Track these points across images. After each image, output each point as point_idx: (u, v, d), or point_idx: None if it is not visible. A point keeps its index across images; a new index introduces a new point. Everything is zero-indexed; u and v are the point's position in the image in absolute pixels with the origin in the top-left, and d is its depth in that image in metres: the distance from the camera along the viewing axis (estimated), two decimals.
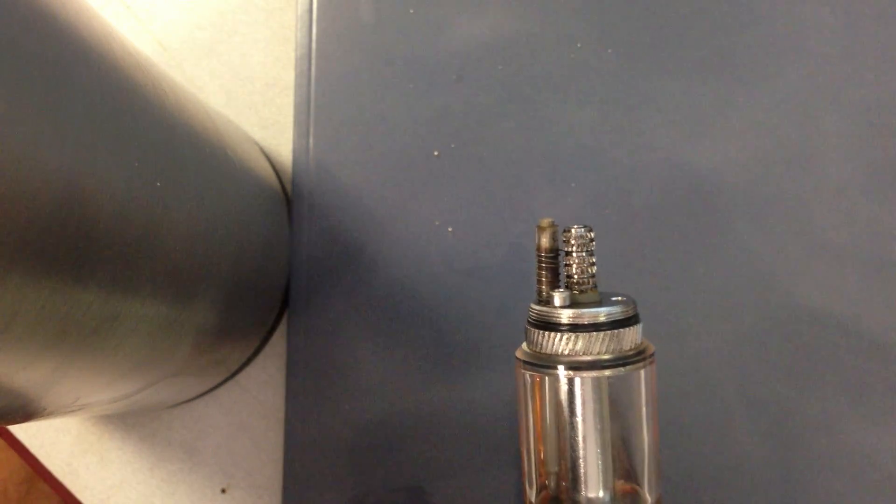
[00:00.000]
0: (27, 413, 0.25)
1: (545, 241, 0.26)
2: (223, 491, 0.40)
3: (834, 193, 0.36)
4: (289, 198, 0.40)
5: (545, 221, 0.26)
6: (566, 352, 0.24)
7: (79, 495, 0.40)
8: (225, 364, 0.38)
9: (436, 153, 0.39)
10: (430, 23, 0.40)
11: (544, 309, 0.25)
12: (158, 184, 0.25)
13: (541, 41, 0.39)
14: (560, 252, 0.26)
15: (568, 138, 0.38)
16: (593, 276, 0.25)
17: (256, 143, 0.42)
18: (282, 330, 0.40)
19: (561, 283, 0.26)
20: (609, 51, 0.39)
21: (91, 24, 0.24)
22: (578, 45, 0.39)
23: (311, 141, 0.40)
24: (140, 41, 0.43)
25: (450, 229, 0.38)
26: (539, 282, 0.26)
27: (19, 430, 0.41)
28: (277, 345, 0.40)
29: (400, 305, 0.38)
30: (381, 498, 0.37)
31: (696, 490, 0.35)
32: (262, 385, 0.40)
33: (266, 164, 0.40)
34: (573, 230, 0.25)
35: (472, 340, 0.37)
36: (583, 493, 0.25)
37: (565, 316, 0.24)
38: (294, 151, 0.40)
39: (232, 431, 0.40)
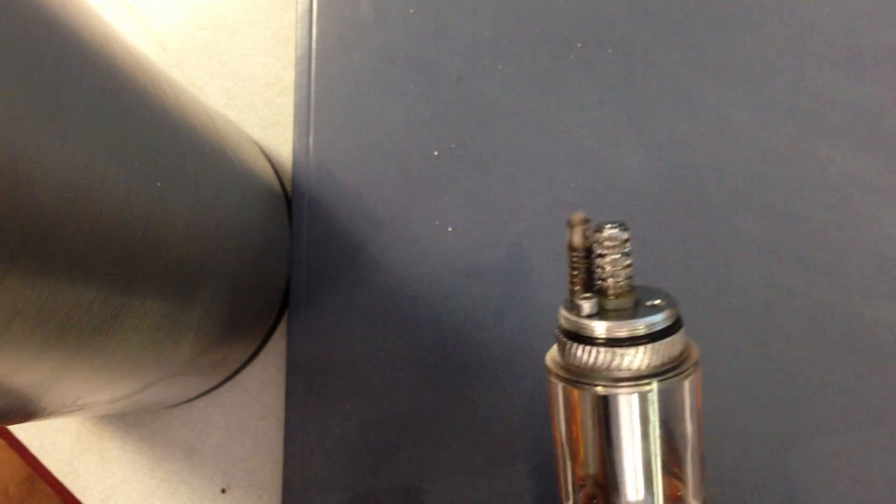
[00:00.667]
0: (27, 413, 0.25)
1: (576, 239, 0.23)
2: (223, 491, 0.40)
3: (834, 193, 0.36)
4: (289, 198, 0.40)
5: (576, 217, 0.23)
6: (603, 367, 0.22)
7: (79, 495, 0.40)
8: (225, 364, 0.38)
9: (436, 153, 0.39)
10: (430, 23, 0.40)
11: (576, 318, 0.23)
12: (158, 184, 0.25)
13: (541, 41, 0.39)
14: (593, 252, 0.23)
15: (568, 138, 0.38)
16: (630, 277, 0.23)
17: (256, 143, 0.42)
18: (282, 330, 0.40)
19: (595, 285, 0.23)
20: (609, 51, 0.39)
21: (91, 24, 0.24)
22: (578, 45, 0.39)
23: (311, 141, 0.40)
24: (140, 41, 0.43)
25: (450, 229, 0.38)
26: (571, 282, 0.23)
27: (19, 430, 0.41)
28: (277, 345, 0.40)
29: (400, 305, 0.38)
30: (381, 498, 0.37)
31: None
32: (262, 385, 0.40)
33: (266, 164, 0.40)
34: (605, 231, 0.23)
35: (472, 340, 0.37)
36: (624, 501, 0.23)
37: (601, 329, 0.22)
38: (294, 151, 0.40)
39: (232, 431, 0.40)
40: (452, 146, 0.39)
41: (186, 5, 0.43)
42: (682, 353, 0.23)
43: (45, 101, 0.19)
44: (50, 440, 0.41)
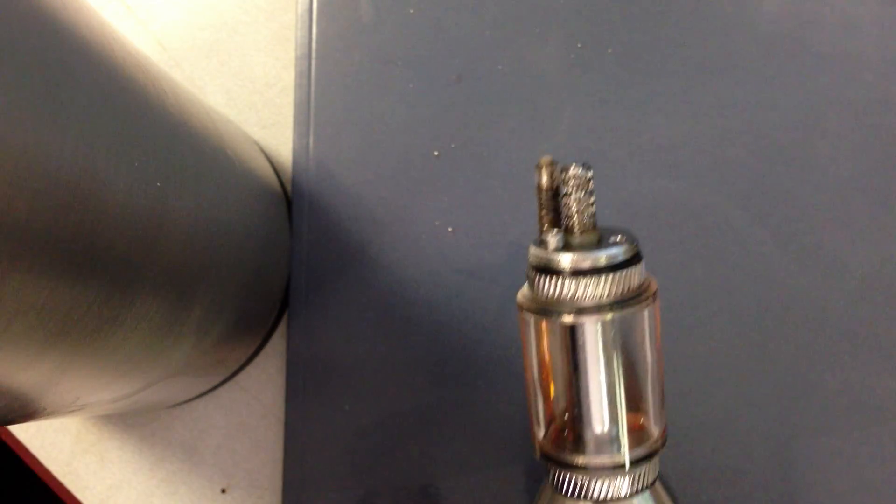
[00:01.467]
0: (27, 413, 0.25)
1: (544, 180, 0.25)
2: (223, 491, 0.40)
3: (834, 193, 0.36)
4: (289, 198, 0.40)
5: (544, 160, 0.25)
6: (568, 297, 0.24)
7: (79, 495, 0.40)
8: (225, 364, 0.38)
9: (436, 153, 0.39)
10: (430, 23, 0.40)
11: (543, 253, 0.24)
12: (158, 184, 0.25)
13: (541, 41, 0.39)
14: (560, 191, 0.25)
15: (568, 138, 0.38)
16: (593, 215, 0.24)
17: (256, 143, 0.42)
18: (282, 330, 0.40)
19: (562, 223, 0.25)
20: (609, 51, 0.39)
21: (91, 24, 0.24)
22: (578, 45, 0.39)
23: (311, 141, 0.40)
24: (140, 41, 0.43)
25: (450, 229, 0.38)
26: (540, 221, 0.25)
27: (19, 430, 0.41)
28: (277, 345, 0.40)
29: (400, 305, 0.38)
30: (381, 498, 0.37)
31: (696, 490, 0.35)
32: (262, 385, 0.40)
33: (266, 164, 0.40)
34: (571, 169, 0.24)
35: (472, 340, 0.37)
36: (590, 430, 0.25)
37: (566, 261, 0.24)
38: (294, 151, 0.40)
39: (232, 431, 0.40)
40: (452, 146, 0.39)
41: (186, 5, 0.43)
42: (641, 285, 0.25)
43: (45, 102, 0.20)
44: (50, 440, 0.41)
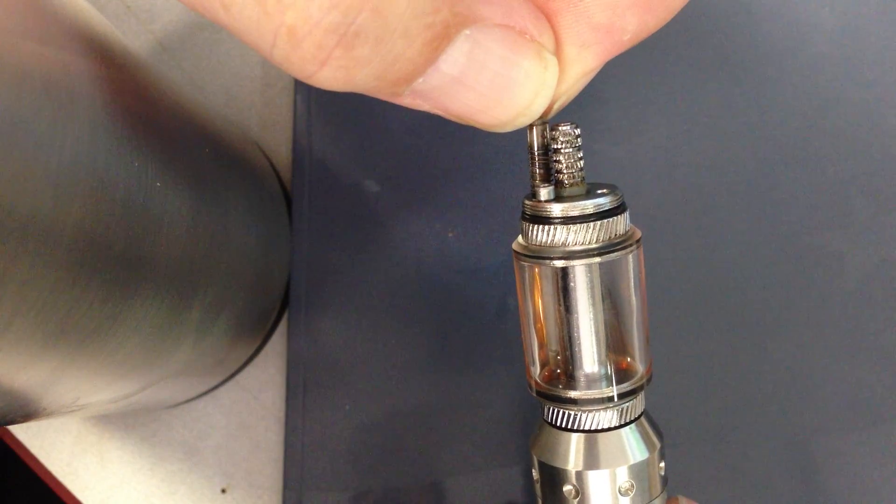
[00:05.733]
0: (27, 413, 0.25)
1: (536, 139, 0.27)
2: (223, 491, 0.40)
3: (834, 193, 0.36)
4: (289, 198, 0.40)
5: (535, 120, 0.27)
6: (559, 243, 0.26)
7: (79, 495, 0.40)
8: (225, 364, 0.38)
9: (436, 155, 0.39)
10: None
11: (536, 203, 0.26)
12: (158, 184, 0.25)
13: None
14: (550, 149, 0.27)
15: None
16: (581, 170, 0.26)
17: (256, 143, 0.42)
18: (282, 330, 0.40)
19: (553, 179, 0.27)
20: None
21: (91, 24, 0.24)
22: None
23: (311, 141, 0.40)
24: (140, 41, 0.43)
25: (450, 230, 0.38)
26: (532, 177, 0.27)
27: (19, 430, 0.41)
28: (277, 345, 0.40)
29: (400, 306, 0.38)
30: (381, 498, 0.37)
31: (696, 490, 0.35)
32: (262, 385, 0.40)
33: (266, 164, 0.40)
34: (560, 128, 0.26)
35: (472, 341, 0.37)
36: (580, 366, 0.27)
37: (556, 209, 0.26)
38: (294, 151, 0.40)
39: (232, 431, 0.40)
40: (452, 147, 0.39)
41: None
42: (626, 232, 0.27)
43: (44, 101, 0.20)
44: (50, 440, 0.41)
